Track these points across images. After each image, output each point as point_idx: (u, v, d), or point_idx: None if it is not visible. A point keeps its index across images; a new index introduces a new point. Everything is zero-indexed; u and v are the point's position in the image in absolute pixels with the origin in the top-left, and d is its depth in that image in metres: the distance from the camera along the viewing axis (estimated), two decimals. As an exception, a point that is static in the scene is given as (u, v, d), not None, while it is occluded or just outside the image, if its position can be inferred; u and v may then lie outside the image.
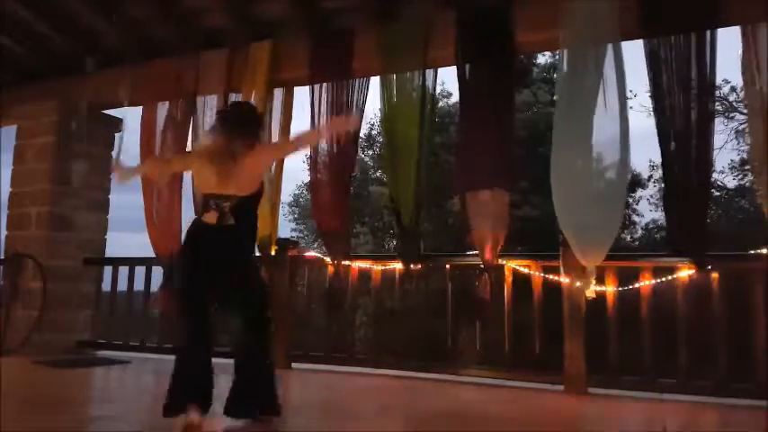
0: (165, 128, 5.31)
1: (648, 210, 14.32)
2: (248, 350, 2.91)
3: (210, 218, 2.77)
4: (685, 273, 3.70)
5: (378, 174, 15.12)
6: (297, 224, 17.40)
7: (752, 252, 3.66)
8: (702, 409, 3.50)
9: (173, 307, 3.19)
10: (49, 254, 5.42)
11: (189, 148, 5.20)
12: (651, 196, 14.05)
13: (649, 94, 3.83)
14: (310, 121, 4.75)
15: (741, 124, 11.89)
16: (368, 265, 4.73)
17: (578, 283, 3.84)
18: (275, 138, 4.87)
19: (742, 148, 12.33)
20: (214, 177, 2.80)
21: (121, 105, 5.47)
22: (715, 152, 3.81)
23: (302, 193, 17.48)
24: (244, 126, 2.91)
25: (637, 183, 13.91)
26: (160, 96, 5.37)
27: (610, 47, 3.83)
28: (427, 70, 4.41)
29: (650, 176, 13.74)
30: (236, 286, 2.90)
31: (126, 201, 6.60)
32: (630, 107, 4.04)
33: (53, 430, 2.67)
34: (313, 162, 4.81)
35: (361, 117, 4.72)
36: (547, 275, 4.10)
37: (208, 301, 2.83)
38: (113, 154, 5.45)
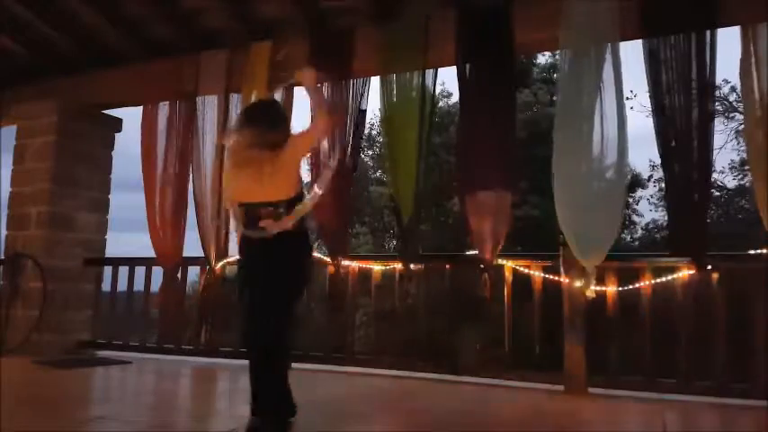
0: (165, 128, 5.32)
1: (648, 210, 14.32)
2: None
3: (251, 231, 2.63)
4: (685, 273, 3.70)
5: (378, 174, 15.12)
6: (297, 224, 17.36)
7: (752, 252, 3.67)
8: (702, 409, 3.50)
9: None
10: (49, 254, 5.41)
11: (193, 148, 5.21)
12: (651, 196, 14.03)
13: (649, 94, 3.83)
14: (310, 122, 4.74)
15: (741, 124, 11.88)
16: (368, 266, 4.73)
17: (578, 283, 3.84)
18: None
19: (742, 148, 12.33)
20: (246, 183, 2.62)
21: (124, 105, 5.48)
22: (715, 152, 3.81)
23: (302, 192, 17.46)
24: (272, 118, 2.71)
25: (637, 183, 13.91)
26: (160, 96, 5.37)
27: (609, 47, 3.83)
28: (427, 70, 4.41)
29: (650, 176, 13.74)
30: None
31: (126, 201, 6.62)
32: (630, 107, 4.05)
33: (53, 430, 2.67)
34: (314, 162, 4.81)
35: (364, 117, 4.71)
36: (547, 275, 4.10)
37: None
38: None
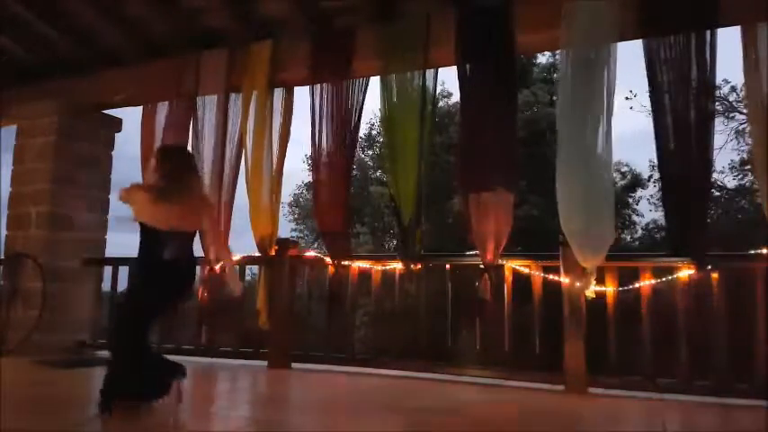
0: (165, 128, 5.32)
1: (648, 210, 14.30)
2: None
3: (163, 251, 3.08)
4: (685, 273, 3.70)
5: (378, 174, 15.12)
6: (297, 224, 17.40)
7: (752, 252, 3.67)
8: (702, 409, 3.50)
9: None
10: (49, 254, 5.42)
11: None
12: (651, 196, 14.04)
13: (649, 94, 3.83)
14: (311, 122, 4.75)
15: (741, 124, 11.88)
16: (368, 265, 4.73)
17: (578, 283, 3.84)
18: (274, 139, 4.91)
19: (742, 148, 12.33)
20: (174, 214, 3.07)
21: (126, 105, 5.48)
22: (715, 152, 3.80)
23: (302, 193, 17.48)
24: (195, 170, 3.42)
25: (637, 183, 13.92)
26: (160, 96, 5.37)
27: (609, 47, 3.83)
28: (427, 70, 4.41)
29: (650, 176, 13.75)
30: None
31: (126, 201, 6.59)
32: (630, 107, 4.06)
33: (53, 430, 2.67)
34: (314, 162, 4.82)
35: (360, 117, 4.72)
36: (547, 275, 4.10)
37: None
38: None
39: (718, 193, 12.77)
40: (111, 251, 5.92)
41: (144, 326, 3.14)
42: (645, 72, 3.80)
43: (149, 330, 3.26)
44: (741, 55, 3.61)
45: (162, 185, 3.13)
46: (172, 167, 3.19)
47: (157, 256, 3.08)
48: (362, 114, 4.71)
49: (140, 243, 3.18)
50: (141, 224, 3.12)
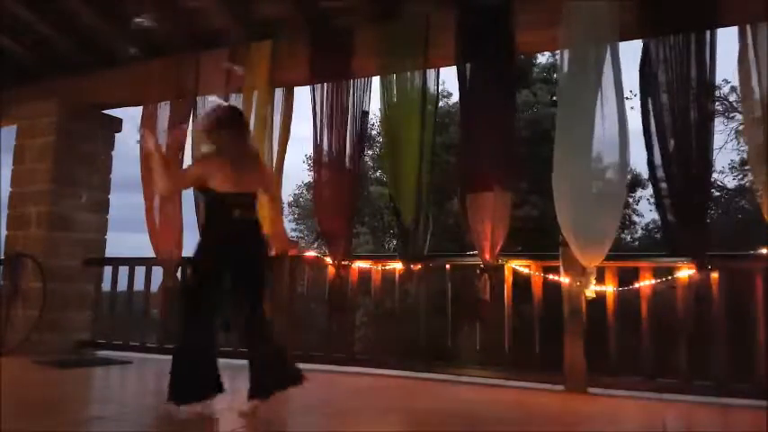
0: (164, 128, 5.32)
1: (648, 210, 14.29)
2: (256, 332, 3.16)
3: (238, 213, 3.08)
4: (685, 273, 3.70)
5: (378, 174, 15.12)
6: (297, 224, 17.39)
7: (752, 252, 3.67)
8: (702, 409, 3.50)
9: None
10: (49, 254, 5.41)
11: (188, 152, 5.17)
12: (651, 196, 14.01)
13: (647, 93, 3.82)
14: (312, 122, 4.75)
15: (741, 124, 11.88)
16: (368, 265, 4.72)
17: (578, 283, 3.84)
18: (274, 139, 4.90)
19: (742, 148, 12.34)
20: (234, 176, 3.07)
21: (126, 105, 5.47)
22: (715, 152, 3.80)
23: (302, 193, 17.47)
24: (248, 127, 3.42)
25: (637, 183, 13.90)
26: (160, 96, 5.37)
27: (609, 47, 3.83)
28: (427, 70, 4.41)
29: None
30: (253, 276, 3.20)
31: (126, 201, 6.61)
32: (631, 107, 4.05)
33: (53, 430, 2.67)
34: (315, 162, 4.81)
35: (366, 118, 4.71)
36: (547, 275, 4.10)
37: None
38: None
39: (718, 193, 12.77)
40: (111, 251, 5.93)
41: (214, 297, 3.06)
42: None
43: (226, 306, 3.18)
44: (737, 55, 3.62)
45: (223, 148, 3.15)
46: (232, 128, 3.20)
47: (225, 218, 3.07)
48: (368, 115, 4.71)
49: (207, 210, 3.21)
50: (208, 192, 3.12)
